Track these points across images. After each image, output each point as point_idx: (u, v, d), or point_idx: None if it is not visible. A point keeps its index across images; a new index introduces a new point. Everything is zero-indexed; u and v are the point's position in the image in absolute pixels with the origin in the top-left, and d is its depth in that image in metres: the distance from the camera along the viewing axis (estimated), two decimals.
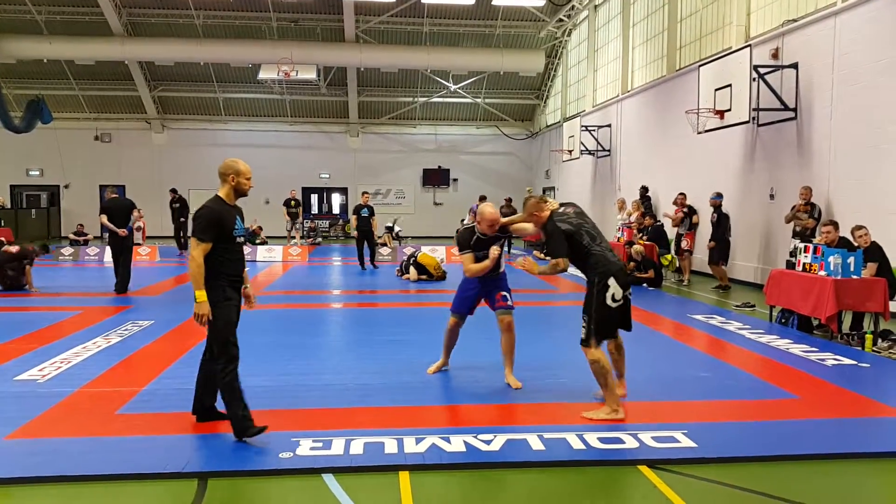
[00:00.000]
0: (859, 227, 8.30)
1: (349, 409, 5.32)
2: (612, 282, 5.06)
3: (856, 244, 8.35)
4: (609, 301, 5.07)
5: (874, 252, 8.18)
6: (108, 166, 28.24)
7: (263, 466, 4.20)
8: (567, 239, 5.14)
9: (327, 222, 28.91)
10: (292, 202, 23.30)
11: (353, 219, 16.10)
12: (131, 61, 25.66)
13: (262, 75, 24.95)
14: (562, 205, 5.46)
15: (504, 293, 6.00)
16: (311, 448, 4.45)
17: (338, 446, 4.47)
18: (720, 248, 12.74)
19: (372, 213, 15.91)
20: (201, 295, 4.56)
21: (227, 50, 24.82)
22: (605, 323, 5.14)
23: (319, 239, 24.73)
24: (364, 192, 17.01)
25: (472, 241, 5.82)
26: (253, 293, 5.14)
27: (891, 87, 9.79)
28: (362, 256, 16.07)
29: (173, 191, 20.86)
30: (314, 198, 30.21)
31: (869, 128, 10.20)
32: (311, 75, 24.88)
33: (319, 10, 24.94)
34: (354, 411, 5.25)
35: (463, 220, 21.31)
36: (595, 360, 5.11)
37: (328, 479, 4.07)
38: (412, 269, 13.92)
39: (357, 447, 4.46)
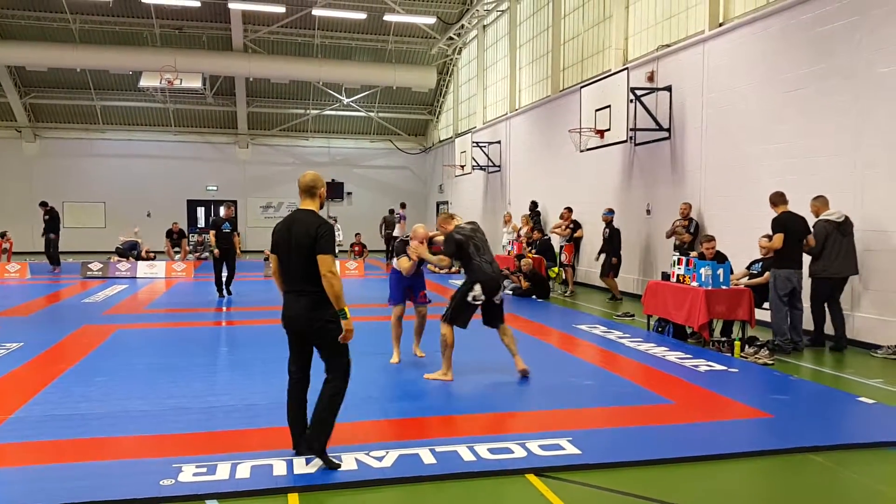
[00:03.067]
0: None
1: (236, 431, 5.16)
2: (476, 287, 6.49)
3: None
4: (469, 299, 6.50)
5: None
6: None
7: (142, 495, 3.99)
8: (457, 245, 6.56)
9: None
10: (175, 234, 22.16)
11: (211, 235, 13.72)
12: None
13: (143, 83, 23.92)
14: (468, 223, 6.94)
15: (424, 291, 7.78)
16: (195, 474, 4.28)
17: (223, 471, 4.32)
18: (615, 261, 13.28)
19: (234, 229, 14.03)
20: (348, 311, 4.43)
21: (106, 56, 23.64)
22: (460, 312, 6.57)
23: (206, 254, 23.83)
24: (229, 206, 14.74)
25: (405, 250, 7.51)
26: None
27: (751, 111, 10.60)
28: (220, 280, 13.61)
29: (43, 204, 19.48)
30: (201, 211, 29.19)
31: (734, 148, 11.00)
32: (196, 84, 24.11)
33: (205, 18, 24.24)
34: (241, 433, 5.10)
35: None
36: (444, 333, 6.59)
37: None
38: None
39: (244, 471, 4.33)
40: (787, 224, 8.31)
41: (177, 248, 21.91)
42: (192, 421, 5.40)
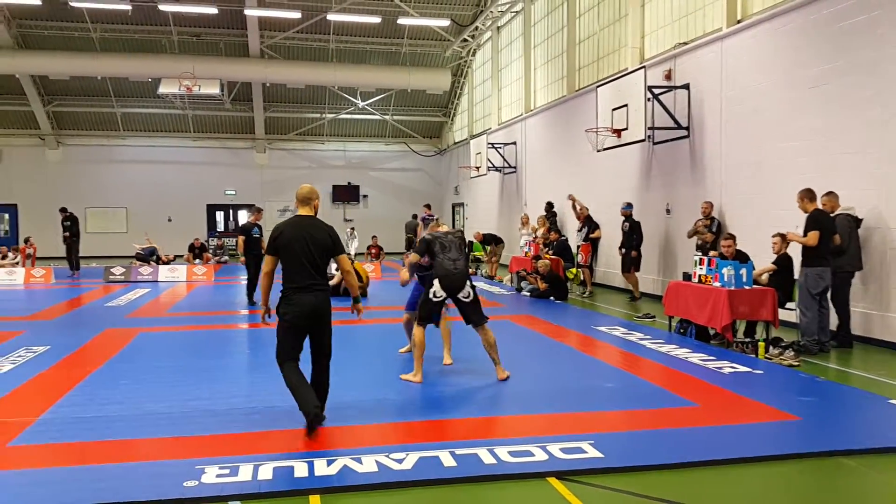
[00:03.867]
0: None
1: (257, 433, 5.18)
2: (436, 283, 6.73)
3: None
4: (431, 296, 6.73)
5: None
6: None
7: (166, 496, 4.02)
8: (426, 244, 6.94)
9: (234, 240, 28.23)
10: (196, 249, 22.65)
11: (240, 240, 12.68)
12: (23, 75, 24.41)
13: (162, 90, 24.17)
14: (452, 230, 7.27)
15: None
16: (218, 475, 4.30)
17: (245, 472, 4.35)
18: (635, 255, 13.21)
19: (261, 233, 12.90)
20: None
21: (126, 64, 23.95)
22: (426, 310, 6.80)
23: (226, 257, 24.04)
24: (258, 210, 14.04)
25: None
26: None
27: (770, 108, 10.48)
28: (253, 286, 12.69)
29: (63, 210, 19.76)
30: (220, 215, 29.43)
31: (755, 145, 10.88)
32: (214, 90, 24.31)
33: (222, 25, 24.44)
34: (263, 435, 5.13)
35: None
36: (413, 334, 6.90)
37: None
38: None
39: (266, 472, 4.35)
40: (822, 221, 8.17)
41: (198, 255, 22.41)
42: (214, 423, 5.43)
